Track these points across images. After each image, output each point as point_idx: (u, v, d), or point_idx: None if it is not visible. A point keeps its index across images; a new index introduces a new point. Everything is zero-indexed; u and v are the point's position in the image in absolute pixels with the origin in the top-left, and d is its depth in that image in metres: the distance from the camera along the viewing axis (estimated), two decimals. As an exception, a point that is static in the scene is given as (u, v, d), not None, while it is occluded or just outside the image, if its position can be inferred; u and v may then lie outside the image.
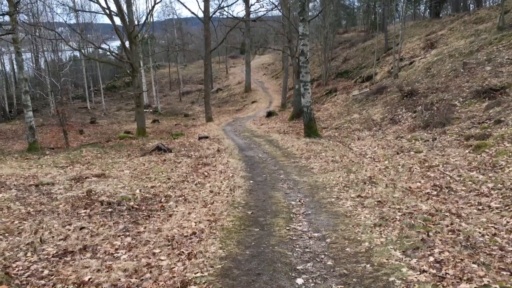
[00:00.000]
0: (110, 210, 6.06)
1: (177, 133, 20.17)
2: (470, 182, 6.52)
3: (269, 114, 25.00)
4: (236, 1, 75.63)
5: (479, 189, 6.16)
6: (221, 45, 27.86)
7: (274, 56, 51.21)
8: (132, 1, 22.12)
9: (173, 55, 48.78)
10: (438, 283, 3.34)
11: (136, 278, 3.73)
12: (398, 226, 4.70)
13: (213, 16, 26.41)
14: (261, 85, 41.96)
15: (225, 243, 4.56)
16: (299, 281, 3.64)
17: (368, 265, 3.82)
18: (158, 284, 3.60)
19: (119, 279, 3.70)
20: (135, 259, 4.15)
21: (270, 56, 54.06)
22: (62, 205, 6.29)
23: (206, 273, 3.79)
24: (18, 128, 28.36)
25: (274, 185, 7.66)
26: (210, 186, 7.59)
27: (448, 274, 3.48)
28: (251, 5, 31.88)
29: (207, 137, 15.94)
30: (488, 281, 3.31)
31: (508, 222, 4.73)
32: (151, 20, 32.35)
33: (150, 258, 4.17)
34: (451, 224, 4.67)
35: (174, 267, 3.94)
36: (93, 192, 6.98)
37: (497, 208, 5.29)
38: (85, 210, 6.01)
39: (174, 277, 3.73)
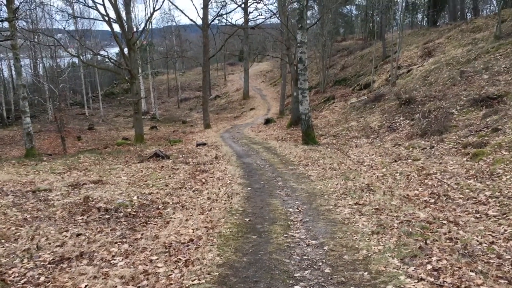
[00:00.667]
0: (107, 216, 6.03)
1: (175, 139, 20.16)
2: (467, 190, 6.53)
3: (267, 121, 25.03)
4: (234, 9, 75.99)
5: (476, 197, 6.17)
6: (219, 52, 27.96)
7: (272, 64, 51.35)
8: (131, 8, 22.22)
9: (172, 62, 48.89)
10: (436, 291, 3.33)
11: (133, 285, 3.71)
12: (396, 234, 4.70)
13: (212, 23, 26.53)
14: (259, 92, 42.06)
15: (223, 250, 4.55)
16: (297, 288, 3.63)
17: (366, 273, 3.81)
18: (155, 291, 3.59)
19: (116, 286, 3.68)
20: (132, 266, 4.13)
21: (269, 63, 54.21)
22: (59, 211, 6.27)
23: (203, 280, 3.77)
24: (16, 134, 28.31)
25: (272, 192, 7.65)
26: (207, 193, 7.58)
27: (446, 282, 3.47)
28: (250, 12, 32.03)
29: (205, 144, 15.94)
30: (486, 290, 3.30)
31: (505, 230, 4.73)
32: (150, 27, 32.39)
33: (147, 265, 4.15)
34: (449, 232, 4.67)
35: (171, 274, 3.92)
36: (90, 198, 6.96)
37: (494, 216, 5.29)
38: (82, 217, 5.99)
39: (171, 284, 3.71)
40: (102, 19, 20.07)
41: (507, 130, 9.21)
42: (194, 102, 44.53)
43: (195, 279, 3.79)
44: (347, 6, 49.23)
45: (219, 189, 7.89)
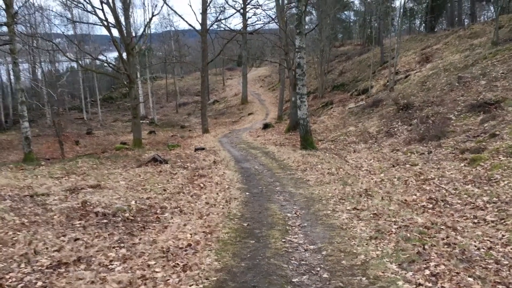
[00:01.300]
0: (105, 221, 6.02)
1: (173, 144, 20.15)
2: (465, 196, 6.54)
3: (266, 126, 25.05)
4: (233, 14, 76.24)
5: (474, 202, 6.18)
6: (218, 57, 27.99)
7: (271, 69, 51.46)
8: (130, 13, 22.28)
9: (170, 66, 48.98)
10: (434, 297, 3.33)
11: (130, 290, 3.70)
12: (394, 239, 4.70)
13: (211, 28, 26.61)
14: (258, 97, 42.12)
15: (221, 255, 4.54)
16: (295, 294, 3.62)
17: (364, 278, 3.81)
18: (153, 296, 3.58)
19: (114, 291, 3.67)
20: (129, 271, 4.12)
21: (267, 68, 54.33)
22: (56, 216, 6.25)
23: (201, 285, 3.76)
24: (14, 138, 28.25)
25: (270, 197, 7.64)
26: (206, 198, 7.57)
27: (444, 287, 3.47)
28: (248, 18, 32.10)
29: (203, 149, 15.94)
30: (484, 295, 3.31)
31: (503, 235, 4.73)
32: (149, 32, 32.47)
33: (145, 270, 4.14)
34: (447, 237, 4.67)
35: (169, 279, 3.91)
36: (88, 203, 6.94)
37: (492, 221, 5.30)
38: (80, 221, 5.97)
39: (169, 289, 3.70)
40: (101, 24, 20.09)
41: (504, 135, 9.23)
42: (193, 107, 44.56)
43: (193, 284, 3.78)
44: (346, 12, 49.45)
45: (217, 194, 7.89)
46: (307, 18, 34.73)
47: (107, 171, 11.31)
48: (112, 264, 4.35)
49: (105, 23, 19.61)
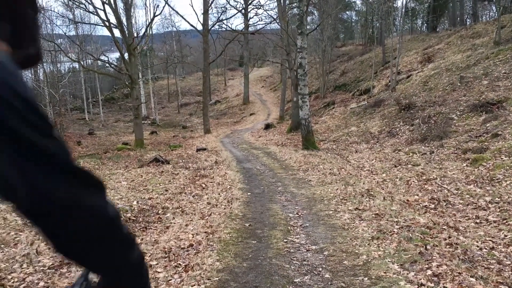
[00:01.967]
0: (107, 221, 6.03)
1: (175, 144, 20.17)
2: (467, 196, 6.53)
3: (267, 127, 25.05)
4: (235, 15, 76.31)
5: (476, 202, 6.16)
6: (219, 58, 28.03)
7: (273, 69, 51.46)
8: (131, 14, 22.30)
9: (172, 67, 48.98)
10: (436, 297, 3.32)
11: (132, 291, 3.69)
12: (396, 239, 4.69)
13: (212, 28, 26.65)
14: (259, 98, 42.12)
15: (222, 256, 4.54)
16: (297, 294, 3.62)
17: (366, 278, 3.80)
18: (155, 296, 3.58)
19: (115, 291, 3.67)
20: (131, 271, 4.12)
21: (269, 68, 54.32)
22: (58, 216, 6.26)
23: (203, 286, 3.76)
24: (16, 139, 28.27)
25: (271, 197, 7.64)
26: (207, 198, 7.58)
27: (446, 287, 3.46)
28: (250, 18, 32.12)
29: (205, 149, 15.95)
30: (486, 295, 3.30)
31: (506, 235, 4.72)
32: (150, 32, 32.51)
33: (146, 270, 4.14)
34: (449, 237, 4.67)
35: (171, 280, 3.92)
36: (90, 203, 6.95)
37: (494, 221, 5.28)
38: (82, 222, 5.98)
39: (170, 289, 3.70)
40: (102, 24, 20.15)
41: (507, 135, 9.21)
42: (194, 107, 44.59)
43: (194, 285, 3.78)
44: (347, 12, 49.48)
45: (219, 194, 7.89)
46: (308, 18, 34.73)
47: (109, 171, 11.34)
48: (114, 264, 4.35)
49: (107, 23, 19.66)
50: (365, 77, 27.82)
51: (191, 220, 6.05)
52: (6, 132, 0.67)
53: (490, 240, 4.60)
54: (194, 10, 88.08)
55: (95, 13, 19.99)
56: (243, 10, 30.68)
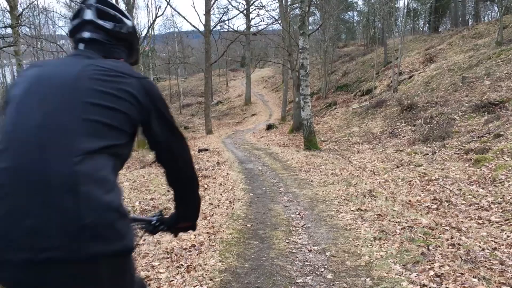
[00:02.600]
0: (109, 222, 6.04)
1: (177, 145, 20.16)
2: (470, 196, 6.52)
3: (269, 127, 25.06)
4: (236, 15, 76.40)
5: (479, 203, 6.15)
6: (221, 58, 28.06)
7: (274, 70, 51.47)
8: (133, 15, 22.33)
9: (174, 67, 49.05)
10: (439, 298, 3.32)
11: (134, 291, 3.69)
12: (398, 240, 4.69)
13: (214, 29, 26.67)
14: (261, 98, 42.14)
15: (224, 256, 4.54)
16: (299, 294, 3.62)
17: (368, 279, 3.80)
18: (157, 297, 3.58)
19: (118, 291, 3.67)
20: (134, 272, 4.13)
21: (270, 69, 54.33)
22: (61, 217, 6.27)
23: (205, 286, 3.77)
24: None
25: (273, 198, 7.64)
26: (209, 199, 7.58)
27: (449, 288, 3.46)
28: (252, 19, 32.18)
29: (207, 150, 15.96)
30: (489, 296, 3.29)
31: (508, 236, 4.72)
32: (152, 33, 32.55)
33: (149, 271, 4.15)
34: (451, 238, 4.66)
35: (173, 280, 3.92)
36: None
37: (497, 222, 5.28)
38: (84, 222, 5.99)
39: (173, 290, 3.70)
40: (104, 25, 20.14)
41: (509, 136, 9.20)
42: (196, 108, 44.61)
43: (197, 285, 3.78)
44: (349, 12, 49.50)
45: (221, 194, 7.89)
46: (310, 19, 34.75)
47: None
48: (116, 265, 4.36)
49: (109, 24, 19.67)
50: (367, 77, 27.81)
51: (193, 221, 6.05)
52: (158, 113, 1.46)
53: (492, 240, 4.60)
54: (196, 11, 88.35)
55: (97, 14, 20.03)
56: (245, 11, 30.71)
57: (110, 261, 1.18)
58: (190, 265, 4.27)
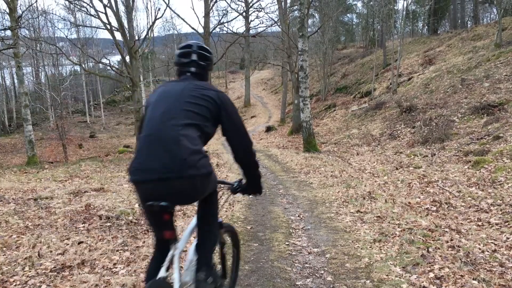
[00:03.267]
0: (108, 224, 6.03)
1: (176, 147, 20.15)
2: (469, 198, 6.52)
3: (268, 129, 25.06)
4: (236, 17, 76.43)
5: (478, 205, 6.15)
6: (220, 60, 28.01)
7: (274, 71, 51.52)
8: (133, 17, 22.35)
9: (173, 69, 49.04)
10: (439, 300, 3.31)
11: (134, 293, 3.69)
12: (397, 242, 4.69)
13: (213, 31, 26.64)
14: (261, 100, 42.15)
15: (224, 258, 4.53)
16: (299, 297, 3.61)
17: (368, 281, 3.80)
18: (157, 299, 3.56)
19: (117, 294, 3.67)
20: (133, 274, 4.13)
21: (270, 71, 54.38)
22: (60, 219, 6.26)
23: (205, 289, 3.75)
24: (17, 142, 28.37)
25: (273, 200, 7.64)
26: (209, 201, 7.56)
27: (449, 290, 3.46)
28: (251, 21, 32.18)
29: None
30: (489, 298, 3.29)
31: (508, 238, 4.72)
32: (152, 35, 32.57)
33: (148, 273, 4.14)
34: (451, 240, 4.66)
35: (172, 282, 3.91)
36: (91, 206, 6.96)
37: (496, 224, 5.27)
38: (83, 225, 5.98)
39: (172, 292, 3.69)
40: (104, 27, 20.17)
41: (508, 138, 9.21)
42: (196, 110, 44.52)
43: (196, 287, 3.77)
44: (348, 15, 49.55)
45: (220, 196, 7.88)
46: (309, 21, 34.80)
47: (111, 174, 11.34)
48: (116, 267, 4.35)
49: (108, 26, 19.69)
50: (366, 79, 27.85)
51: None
52: (226, 112, 2.46)
53: (492, 242, 4.60)
54: (195, 13, 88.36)
55: (96, 16, 20.05)
56: (244, 13, 30.70)
57: (200, 178, 2.30)
58: (190, 267, 4.26)
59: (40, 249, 4.81)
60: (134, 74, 19.96)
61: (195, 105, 2.37)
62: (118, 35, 21.09)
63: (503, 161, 7.93)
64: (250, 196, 3.27)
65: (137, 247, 5.04)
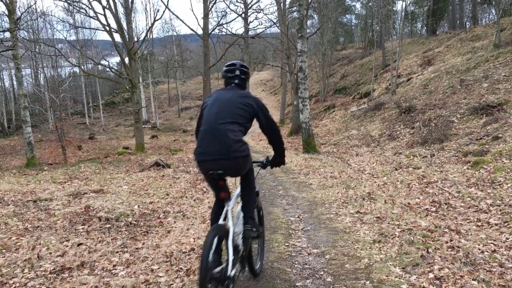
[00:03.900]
0: (108, 226, 6.03)
1: (176, 148, 20.18)
2: (468, 199, 6.52)
3: (268, 130, 24.97)
4: (235, 19, 76.49)
5: (478, 205, 6.16)
6: (220, 62, 28.00)
7: (273, 73, 51.54)
8: (132, 18, 22.36)
9: (172, 71, 49.06)
10: (438, 300, 3.31)
11: (134, 295, 3.69)
12: (397, 243, 4.69)
13: (212, 32, 26.64)
14: (260, 101, 42.00)
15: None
16: (299, 298, 3.61)
17: (368, 282, 3.80)
18: (156, 301, 3.57)
19: (117, 296, 3.67)
20: (133, 276, 4.12)
21: (269, 72, 54.39)
22: (60, 221, 6.26)
23: (204, 290, 3.75)
24: (17, 143, 28.34)
25: (273, 201, 7.64)
26: (208, 202, 7.57)
27: (448, 291, 3.46)
28: (250, 22, 32.17)
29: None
30: (489, 298, 3.29)
31: (507, 238, 4.72)
32: (151, 36, 32.56)
33: (148, 275, 4.14)
34: (451, 240, 4.66)
35: (172, 284, 3.91)
36: (91, 208, 6.96)
37: (496, 224, 5.28)
38: (83, 226, 5.98)
39: (172, 294, 3.69)
40: (103, 29, 20.19)
41: (507, 138, 9.22)
42: (195, 111, 44.59)
43: (196, 289, 3.77)
44: (347, 16, 49.60)
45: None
46: (308, 22, 34.82)
47: (110, 175, 11.33)
48: (115, 269, 4.35)
49: (107, 28, 19.71)
50: (365, 80, 27.87)
51: (192, 224, 6.05)
52: (262, 112, 3.54)
53: (491, 243, 4.60)
54: (194, 15, 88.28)
55: (95, 17, 20.05)
56: (243, 14, 30.71)
57: (241, 159, 3.25)
58: (190, 268, 4.26)
59: (40, 251, 4.81)
60: (133, 76, 19.97)
61: (239, 109, 3.36)
62: (117, 37, 21.12)
63: (502, 161, 7.93)
64: (274, 168, 4.02)
65: (136, 248, 5.04)
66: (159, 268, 4.31)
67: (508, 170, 7.34)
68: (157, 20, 25.57)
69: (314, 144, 14.52)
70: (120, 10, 22.20)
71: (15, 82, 34.80)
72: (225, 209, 3.56)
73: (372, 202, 6.74)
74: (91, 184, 9.96)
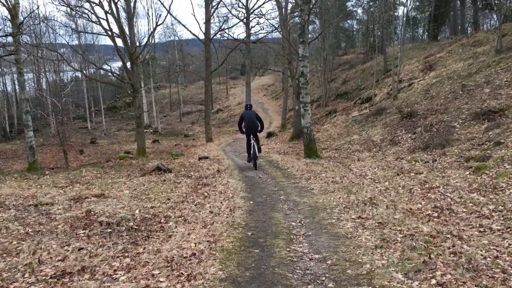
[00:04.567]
0: (109, 230, 6.02)
1: (177, 153, 20.17)
2: (471, 204, 6.50)
3: (269, 135, 25.06)
4: (236, 24, 76.76)
5: (480, 211, 6.14)
6: (221, 66, 28.06)
7: (274, 77, 51.62)
8: (134, 23, 22.43)
9: (174, 76, 49.19)
10: (441, 306, 3.29)
11: (134, 300, 3.67)
12: (399, 248, 4.67)
13: (214, 37, 26.74)
14: (261, 106, 42.20)
15: (225, 264, 4.52)
16: (300, 303, 3.59)
17: (370, 288, 3.78)
18: (157, 306, 3.55)
19: (118, 301, 3.65)
20: (134, 281, 4.11)
21: (270, 77, 54.49)
22: (61, 225, 6.25)
23: (205, 295, 3.74)
24: (18, 148, 28.37)
25: (274, 206, 7.62)
26: (210, 207, 7.56)
27: (451, 297, 3.44)
28: (252, 27, 32.31)
29: (207, 158, 15.94)
30: (491, 305, 3.27)
31: (510, 244, 4.70)
32: (153, 41, 32.67)
33: (149, 280, 4.12)
34: (453, 246, 4.64)
35: (173, 289, 3.89)
36: (92, 212, 6.95)
37: (498, 230, 5.26)
38: (84, 231, 5.97)
39: (173, 299, 3.67)
40: (105, 34, 20.26)
41: (509, 143, 9.20)
42: (196, 116, 44.68)
43: (197, 294, 3.76)
44: (348, 21, 49.72)
45: (221, 202, 7.87)
46: (310, 27, 34.86)
47: (111, 180, 11.33)
48: (116, 274, 4.34)
49: (110, 33, 19.77)
50: (366, 85, 27.88)
51: (193, 229, 6.04)
52: (258, 116, 13.33)
53: (494, 248, 4.58)
54: (196, 20, 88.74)
55: (97, 22, 20.11)
56: (244, 19, 30.80)
57: (257, 129, 12.98)
58: (191, 273, 4.25)
59: (40, 255, 4.80)
60: (135, 80, 20.01)
61: (256, 117, 12.83)
62: (119, 42, 21.19)
63: (504, 166, 7.92)
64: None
65: (137, 253, 5.02)
66: (160, 273, 4.30)
67: (510, 175, 7.32)
68: (159, 25, 25.72)
69: (315, 149, 14.50)
70: (122, 15, 22.25)
71: (17, 87, 34.86)
72: (252, 141, 12.50)
73: (373, 207, 6.72)
74: (92, 188, 9.95)
